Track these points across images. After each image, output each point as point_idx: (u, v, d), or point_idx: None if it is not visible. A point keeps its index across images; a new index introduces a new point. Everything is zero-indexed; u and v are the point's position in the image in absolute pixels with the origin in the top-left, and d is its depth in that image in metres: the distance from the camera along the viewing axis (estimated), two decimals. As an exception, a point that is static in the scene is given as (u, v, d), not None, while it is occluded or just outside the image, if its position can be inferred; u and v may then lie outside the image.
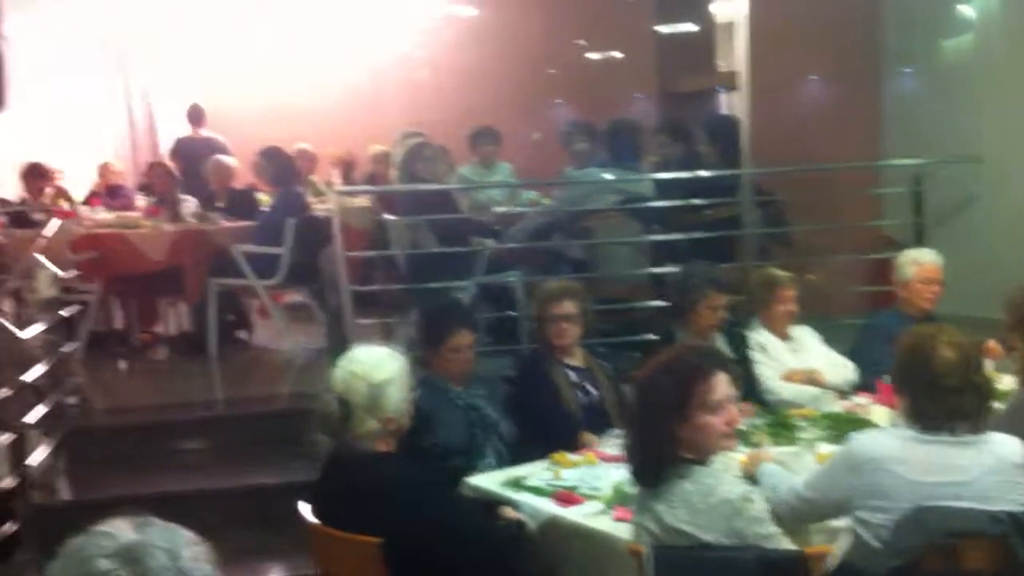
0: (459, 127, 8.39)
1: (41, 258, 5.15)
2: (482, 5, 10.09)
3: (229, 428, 5.66)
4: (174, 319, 8.12)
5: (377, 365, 3.26)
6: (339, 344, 4.81)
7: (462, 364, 4.31)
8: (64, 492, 5.15)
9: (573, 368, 4.42)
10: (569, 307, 4.41)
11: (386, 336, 6.07)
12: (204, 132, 9.58)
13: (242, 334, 7.72)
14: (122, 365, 7.30)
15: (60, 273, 5.31)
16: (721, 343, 4.56)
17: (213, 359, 7.05)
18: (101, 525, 1.50)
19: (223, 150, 9.01)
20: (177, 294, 7.69)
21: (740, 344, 4.69)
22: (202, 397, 6.32)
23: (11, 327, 4.57)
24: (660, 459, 2.76)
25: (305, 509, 3.26)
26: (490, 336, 6.10)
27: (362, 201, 8.62)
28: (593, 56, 10.34)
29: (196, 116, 9.65)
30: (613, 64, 10.28)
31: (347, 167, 10.67)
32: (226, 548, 4.72)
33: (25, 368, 4.70)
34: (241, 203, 7.57)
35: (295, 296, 8.12)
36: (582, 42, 10.22)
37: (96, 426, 5.58)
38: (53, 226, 5.66)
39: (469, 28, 10.20)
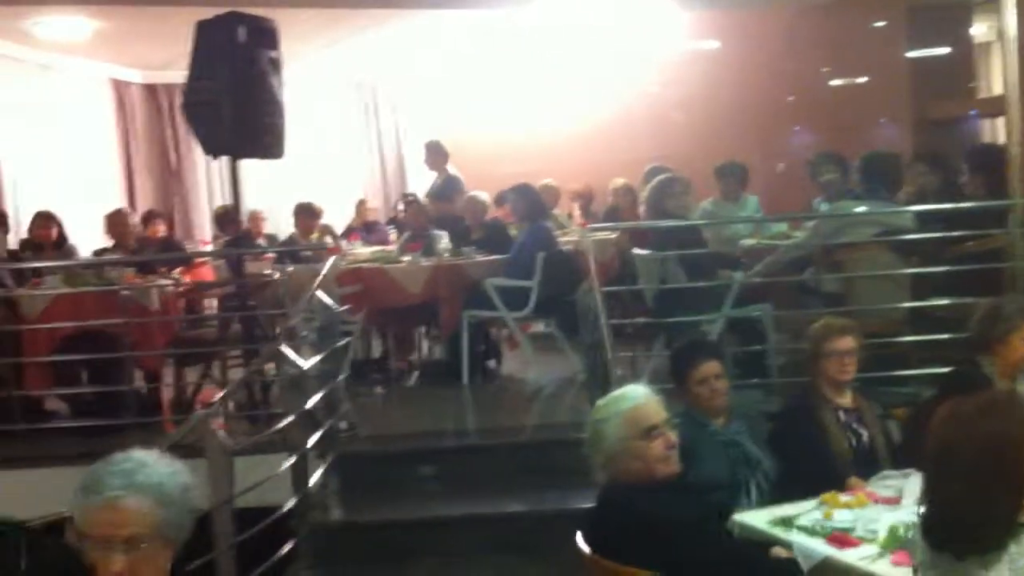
0: (703, 160, 8.39)
1: (321, 293, 5.50)
2: (725, 38, 10.06)
3: (485, 456, 5.84)
4: (427, 348, 8.49)
5: (604, 405, 3.40)
6: (599, 377, 4.90)
7: (712, 396, 4.30)
8: (335, 513, 5.45)
9: (843, 408, 4.34)
10: (850, 343, 4.33)
11: (635, 369, 6.14)
12: (450, 169, 9.93)
13: (491, 363, 7.96)
14: (380, 392, 7.69)
15: (336, 307, 5.66)
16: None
17: (465, 387, 7.32)
18: None
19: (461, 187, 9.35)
20: (432, 325, 8.06)
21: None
22: (457, 425, 6.60)
23: (296, 357, 4.90)
24: (1000, 524, 2.36)
25: (578, 539, 3.35)
26: (738, 369, 6.06)
27: (603, 234, 8.78)
28: (840, 83, 10.11)
29: (437, 153, 10.01)
30: (862, 91, 10.01)
31: (586, 200, 10.86)
32: (484, 572, 4.90)
33: (306, 396, 5.03)
34: (494, 237, 7.83)
35: (539, 327, 8.36)
36: (828, 70, 10.02)
37: (363, 451, 5.87)
38: (328, 262, 6.03)
39: (712, 61, 10.19)
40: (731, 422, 4.35)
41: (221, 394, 5.44)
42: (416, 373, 8.12)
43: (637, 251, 6.43)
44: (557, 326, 7.62)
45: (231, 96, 5.66)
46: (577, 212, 10.66)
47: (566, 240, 8.19)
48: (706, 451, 4.14)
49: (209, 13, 5.96)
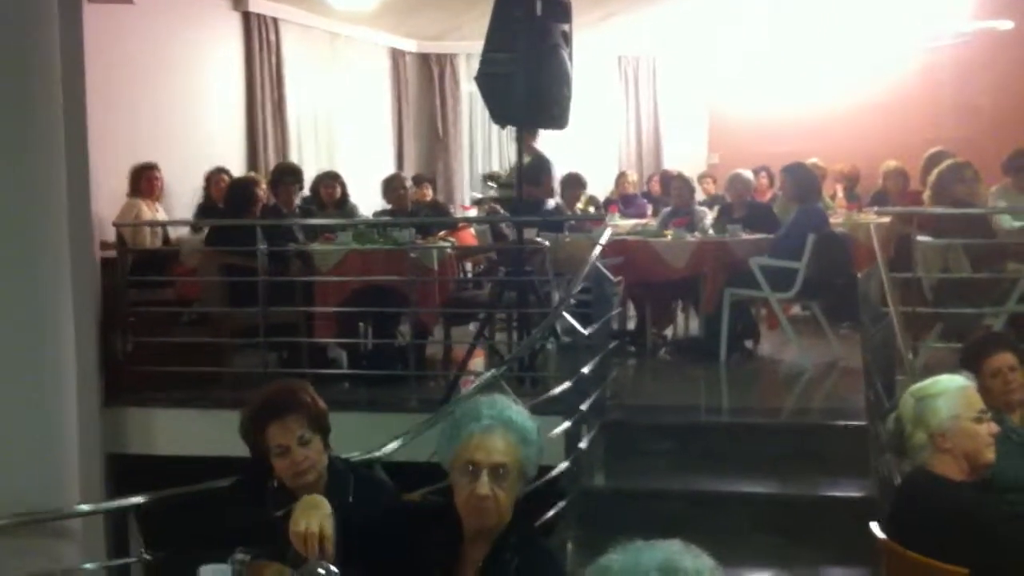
0: (983, 148, 7.98)
1: (598, 264, 5.62)
2: (1019, 17, 9.48)
3: (749, 435, 5.82)
4: (682, 324, 8.51)
5: (932, 383, 3.30)
6: (882, 365, 4.80)
7: (1007, 390, 4.12)
8: (601, 478, 5.58)
9: None
10: None
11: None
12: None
13: (748, 343, 7.90)
14: (634, 364, 7.78)
15: (611, 278, 5.78)
16: None
17: (722, 365, 7.31)
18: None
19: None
20: (692, 300, 8.07)
21: None
22: (718, 402, 6.60)
23: (577, 325, 5.05)
24: None
25: (875, 527, 3.32)
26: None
27: (869, 217, 8.51)
28: None
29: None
30: None
31: (852, 182, 10.55)
32: (752, 551, 4.88)
33: (580, 362, 5.18)
34: (759, 216, 7.75)
35: (796, 309, 8.22)
36: None
37: (627, 420, 5.98)
38: (606, 233, 6.15)
39: (1000, 42, 9.63)
40: (1031, 420, 4.16)
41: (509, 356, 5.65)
42: (672, 347, 8.15)
43: (921, 237, 6.20)
44: (821, 310, 7.48)
45: (525, 68, 5.84)
46: (840, 194, 10.39)
47: (835, 222, 8.00)
48: (1003, 449, 3.99)
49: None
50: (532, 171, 8.16)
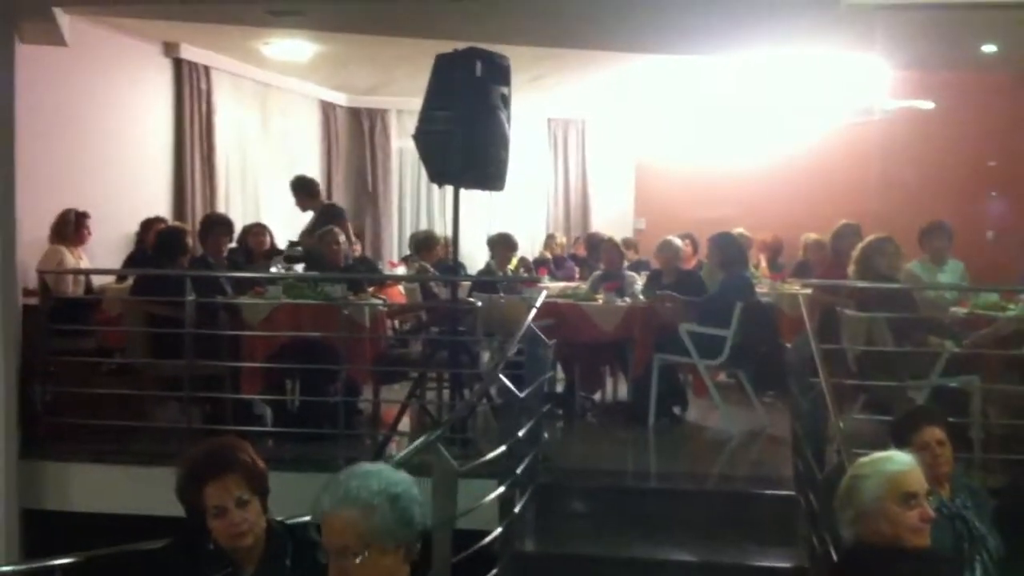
0: (901, 221, 8.20)
1: (533, 326, 5.63)
2: (940, 97, 9.86)
3: (677, 501, 5.84)
4: (611, 388, 8.55)
5: (869, 462, 3.27)
6: (813, 435, 4.86)
7: (934, 463, 4.19)
8: (532, 543, 5.53)
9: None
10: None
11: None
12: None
13: (676, 409, 7.96)
14: (562, 426, 7.77)
15: (546, 340, 5.78)
16: None
17: (650, 430, 7.35)
18: None
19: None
20: (620, 364, 8.12)
21: None
22: (646, 467, 6.64)
23: (513, 387, 5.03)
24: None
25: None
26: (944, 441, 5.89)
27: (791, 288, 8.70)
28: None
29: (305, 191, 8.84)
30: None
31: (774, 252, 10.78)
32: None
33: (519, 425, 5.15)
34: (689, 283, 7.85)
35: (721, 376, 8.32)
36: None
37: (557, 484, 5.95)
38: (541, 295, 6.17)
39: (921, 120, 10.00)
40: (955, 495, 4.24)
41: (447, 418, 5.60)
42: (600, 410, 8.18)
43: (847, 311, 6.35)
44: (747, 378, 7.58)
45: (464, 128, 5.87)
46: (764, 264, 10.60)
47: (761, 291, 8.15)
48: (934, 523, 4.05)
49: (439, 46, 6.22)
50: (311, 230, 8.14)
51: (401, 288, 8.51)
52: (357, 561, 2.47)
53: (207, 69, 9.92)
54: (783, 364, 6.29)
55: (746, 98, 11.18)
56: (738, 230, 9.56)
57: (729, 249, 7.72)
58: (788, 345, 6.14)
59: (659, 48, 8.75)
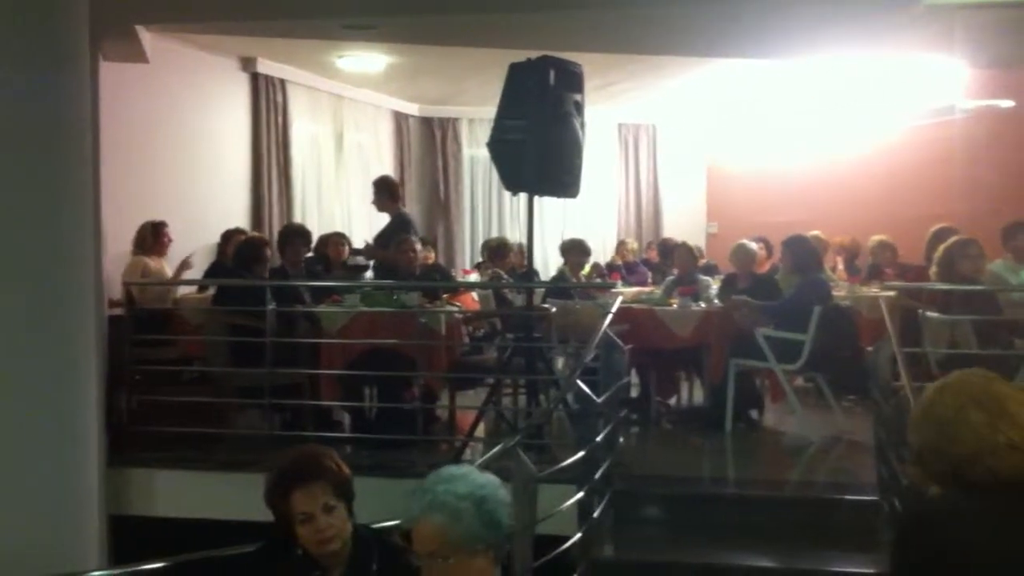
0: (988, 222, 8.03)
1: (608, 331, 5.62)
2: (1020, 96, 9.62)
3: (758, 507, 5.78)
4: (686, 393, 8.50)
5: None
6: (899, 444, 4.78)
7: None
8: (610, 550, 5.51)
9: None
10: None
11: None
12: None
13: (753, 413, 7.88)
14: (637, 432, 7.74)
15: (623, 345, 5.78)
16: None
17: (727, 435, 7.29)
18: None
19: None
20: (695, 369, 8.07)
21: None
22: (720, 473, 6.58)
23: (591, 393, 5.04)
24: None
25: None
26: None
27: (871, 290, 8.58)
28: None
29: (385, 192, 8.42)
30: None
31: (851, 255, 10.61)
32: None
33: (596, 431, 5.15)
34: (763, 288, 7.77)
35: (799, 381, 8.21)
36: None
37: (633, 490, 5.93)
38: (616, 301, 6.17)
39: (1002, 119, 9.77)
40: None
41: (525, 423, 5.63)
42: (676, 416, 8.13)
43: (930, 313, 6.24)
44: (826, 382, 7.48)
45: (537, 136, 5.89)
46: (841, 266, 10.45)
47: (838, 295, 8.04)
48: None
49: (509, 55, 6.24)
50: (383, 235, 8.13)
51: (475, 295, 8.56)
52: (446, 564, 2.53)
53: (283, 82, 10.10)
54: (863, 368, 6.21)
55: (818, 99, 11.04)
56: (813, 233, 9.43)
57: (803, 252, 7.62)
58: (868, 348, 6.06)
59: (735, 53, 8.70)
